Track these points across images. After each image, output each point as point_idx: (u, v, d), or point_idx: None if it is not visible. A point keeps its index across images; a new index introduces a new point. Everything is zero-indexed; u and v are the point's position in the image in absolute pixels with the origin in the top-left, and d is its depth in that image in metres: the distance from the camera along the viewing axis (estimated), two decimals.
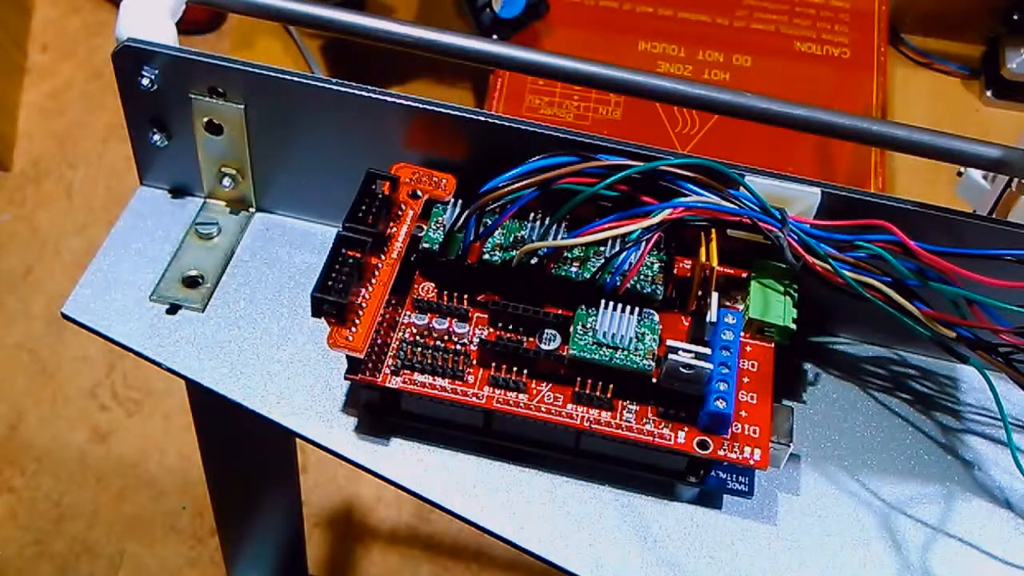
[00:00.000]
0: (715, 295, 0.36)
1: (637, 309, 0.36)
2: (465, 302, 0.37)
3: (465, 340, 0.37)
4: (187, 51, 0.39)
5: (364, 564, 0.84)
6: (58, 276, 0.98)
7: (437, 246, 0.38)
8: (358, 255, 0.35)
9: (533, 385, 0.36)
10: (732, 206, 0.36)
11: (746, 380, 0.36)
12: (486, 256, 0.38)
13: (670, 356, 0.34)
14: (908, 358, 0.41)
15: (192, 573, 0.85)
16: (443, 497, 0.37)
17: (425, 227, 0.38)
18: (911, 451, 0.39)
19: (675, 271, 0.38)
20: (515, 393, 0.36)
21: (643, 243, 0.36)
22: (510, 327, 0.37)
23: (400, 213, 0.38)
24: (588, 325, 0.36)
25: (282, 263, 0.43)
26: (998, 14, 0.51)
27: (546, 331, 0.36)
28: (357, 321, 0.35)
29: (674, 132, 0.46)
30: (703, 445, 0.35)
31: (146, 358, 0.40)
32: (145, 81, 0.40)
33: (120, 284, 0.42)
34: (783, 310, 0.37)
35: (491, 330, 0.37)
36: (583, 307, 0.36)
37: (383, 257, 0.37)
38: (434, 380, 0.36)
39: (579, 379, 0.35)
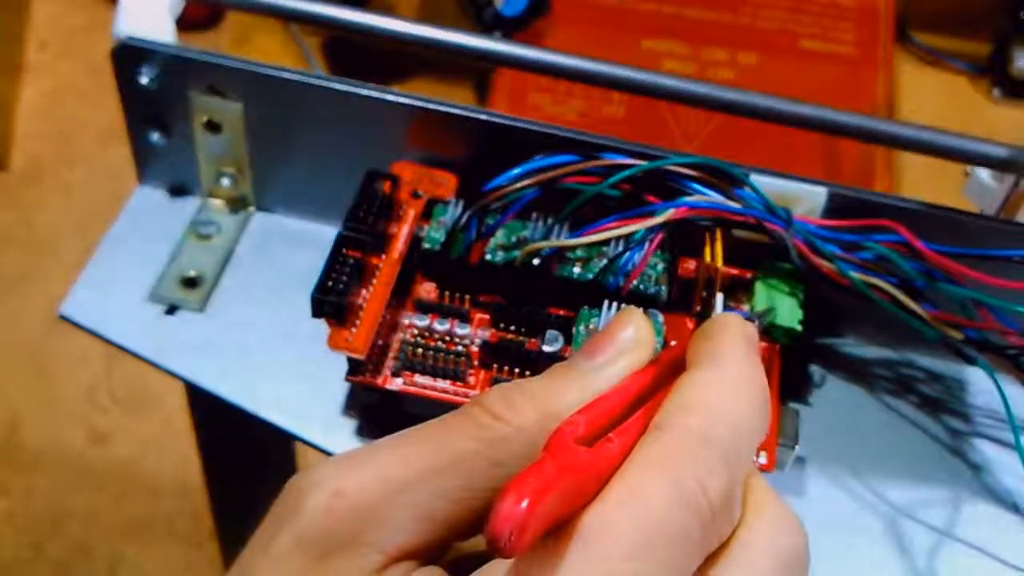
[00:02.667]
0: (720, 296, 0.36)
1: (641, 310, 0.36)
2: (467, 303, 0.37)
3: (467, 341, 0.36)
4: (186, 49, 0.39)
5: None
6: (56, 276, 0.98)
7: (439, 246, 0.37)
8: (359, 255, 0.35)
9: None
10: (737, 206, 0.36)
11: None
12: (488, 256, 0.37)
13: None
14: (915, 360, 0.41)
15: None
16: None
17: (426, 227, 0.38)
18: (918, 454, 0.39)
19: (679, 272, 0.38)
20: None
21: (647, 243, 0.36)
22: (512, 328, 0.37)
23: (401, 213, 0.38)
24: (591, 326, 0.36)
25: (282, 263, 0.42)
26: (1006, 12, 0.51)
27: (549, 332, 0.36)
28: (357, 322, 0.34)
29: (678, 131, 0.46)
30: None
31: (144, 359, 0.39)
32: (144, 80, 0.39)
33: (118, 284, 0.41)
34: (789, 311, 0.37)
35: (493, 331, 0.37)
36: (586, 308, 0.36)
37: (384, 257, 0.36)
38: (435, 382, 0.36)
39: None
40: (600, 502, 0.20)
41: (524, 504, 0.19)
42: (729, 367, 0.23)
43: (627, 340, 0.25)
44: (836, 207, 0.36)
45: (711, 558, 0.22)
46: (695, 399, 0.23)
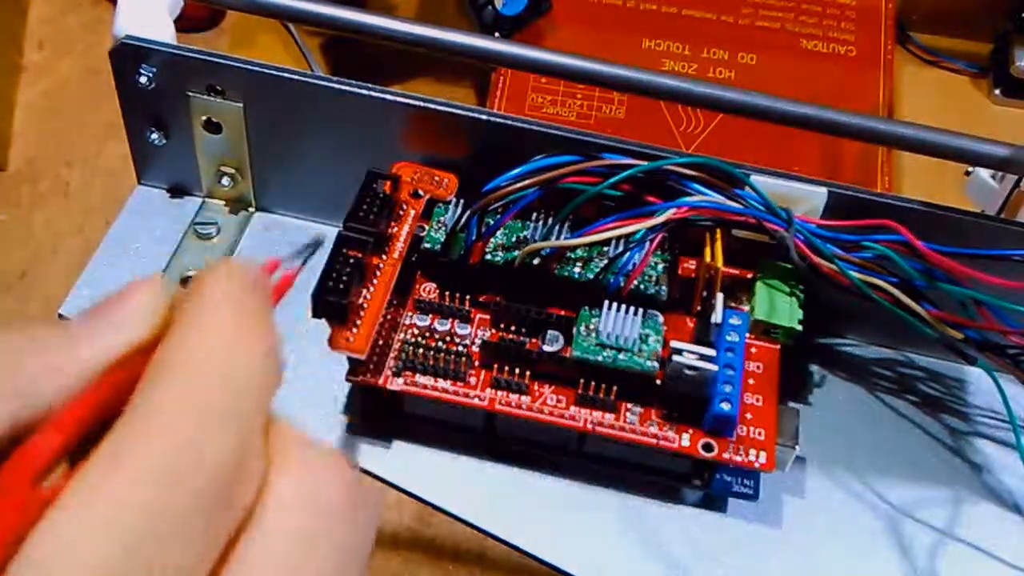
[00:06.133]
0: (720, 296, 0.36)
1: (641, 310, 0.36)
2: (467, 303, 0.37)
3: (467, 341, 0.36)
4: (185, 49, 0.39)
5: None
6: (55, 277, 0.98)
7: (439, 246, 0.37)
8: (359, 255, 0.35)
9: (536, 387, 0.36)
10: (737, 206, 0.36)
11: (751, 382, 0.36)
12: (488, 256, 0.37)
13: (674, 358, 0.34)
14: (915, 360, 0.41)
15: None
16: (445, 500, 0.37)
17: (427, 227, 0.38)
18: (918, 454, 0.39)
19: (679, 272, 0.38)
20: (517, 395, 0.36)
21: (647, 243, 0.36)
22: (512, 328, 0.37)
23: (401, 213, 0.38)
24: (591, 326, 0.36)
25: (282, 263, 0.42)
26: (1006, 12, 0.50)
27: (549, 332, 0.36)
28: (358, 322, 0.34)
29: (678, 131, 0.46)
30: (708, 448, 0.34)
31: None
32: (143, 79, 0.39)
33: (118, 285, 0.41)
34: (789, 311, 0.37)
35: (493, 331, 0.37)
36: (586, 308, 0.36)
37: (384, 257, 0.36)
38: (436, 382, 0.36)
39: (582, 381, 0.35)
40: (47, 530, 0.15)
41: None
42: (208, 315, 0.20)
43: (141, 310, 0.21)
44: (836, 207, 0.36)
45: (239, 531, 0.18)
46: (169, 364, 0.19)
